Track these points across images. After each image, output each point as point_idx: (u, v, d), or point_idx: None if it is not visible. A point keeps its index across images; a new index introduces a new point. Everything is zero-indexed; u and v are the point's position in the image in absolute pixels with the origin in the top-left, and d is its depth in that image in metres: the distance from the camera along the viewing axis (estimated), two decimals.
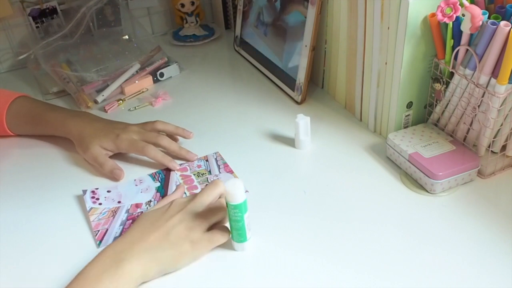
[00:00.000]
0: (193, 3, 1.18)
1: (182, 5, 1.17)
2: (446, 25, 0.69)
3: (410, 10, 0.69)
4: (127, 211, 0.72)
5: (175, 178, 0.77)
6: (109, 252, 0.60)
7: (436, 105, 0.77)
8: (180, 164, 0.80)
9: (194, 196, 0.66)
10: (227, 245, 0.65)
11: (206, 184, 0.74)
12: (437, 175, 0.69)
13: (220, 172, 0.78)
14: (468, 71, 0.69)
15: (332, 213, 0.69)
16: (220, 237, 0.64)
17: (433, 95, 0.77)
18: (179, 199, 0.66)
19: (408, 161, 0.73)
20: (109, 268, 0.58)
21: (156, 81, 1.04)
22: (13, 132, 0.87)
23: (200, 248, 0.63)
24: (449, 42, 0.70)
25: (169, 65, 1.06)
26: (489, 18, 0.67)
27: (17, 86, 1.06)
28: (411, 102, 0.79)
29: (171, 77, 1.06)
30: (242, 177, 0.76)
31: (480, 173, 0.73)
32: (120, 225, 0.69)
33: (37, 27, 1.08)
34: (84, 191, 0.75)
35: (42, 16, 1.08)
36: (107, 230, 0.69)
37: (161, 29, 1.25)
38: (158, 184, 0.76)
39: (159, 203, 0.69)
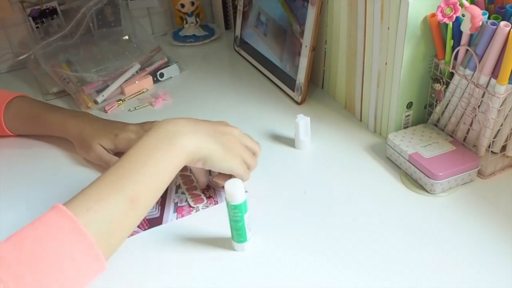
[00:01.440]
0: (193, 3, 1.18)
1: (182, 5, 1.17)
2: (446, 25, 0.69)
3: (410, 10, 0.69)
4: None
5: (174, 178, 0.77)
6: (166, 126, 0.63)
7: (436, 105, 0.77)
8: None
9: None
10: (227, 245, 0.65)
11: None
12: (437, 175, 0.69)
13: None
14: (468, 72, 0.69)
15: (332, 213, 0.69)
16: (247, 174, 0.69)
17: (433, 95, 0.77)
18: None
19: (408, 161, 0.73)
20: (164, 140, 0.61)
21: (156, 81, 1.04)
22: (12, 132, 0.87)
23: (241, 167, 0.67)
24: (449, 43, 0.70)
25: (169, 66, 1.06)
26: (489, 18, 0.67)
27: (17, 86, 1.06)
28: (411, 102, 0.79)
29: (171, 77, 1.06)
30: None
31: (480, 173, 0.73)
32: None
33: (37, 27, 1.08)
34: None
35: (42, 16, 1.08)
36: None
37: (161, 29, 1.25)
38: None
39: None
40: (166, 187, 0.62)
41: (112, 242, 0.57)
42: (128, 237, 0.67)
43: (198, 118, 0.91)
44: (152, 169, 0.59)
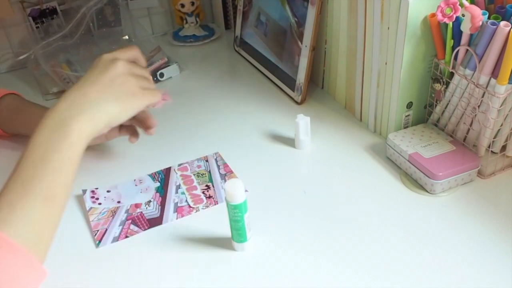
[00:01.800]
0: (193, 3, 1.18)
1: (182, 5, 1.17)
2: (446, 25, 0.69)
3: (410, 10, 0.69)
4: (127, 211, 0.72)
5: (174, 178, 0.77)
6: (52, 114, 0.59)
7: (436, 105, 0.77)
8: (180, 164, 0.80)
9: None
10: (227, 245, 0.65)
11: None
12: (437, 175, 0.69)
13: (220, 173, 0.78)
14: (468, 71, 0.69)
15: (332, 213, 0.69)
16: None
17: (433, 95, 0.77)
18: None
19: (408, 161, 0.73)
20: (57, 130, 0.58)
21: (156, 81, 1.04)
22: (4, 132, 0.86)
23: (146, 96, 0.65)
24: (449, 42, 0.70)
25: (169, 65, 1.06)
26: (489, 18, 0.67)
27: (17, 86, 1.06)
28: (411, 102, 0.79)
29: (171, 77, 1.06)
30: (242, 177, 0.76)
31: (480, 173, 0.73)
32: (120, 225, 0.69)
33: (37, 27, 1.08)
34: (84, 191, 0.75)
35: (42, 16, 1.08)
36: (106, 230, 0.69)
37: (161, 29, 1.25)
38: (158, 184, 0.76)
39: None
40: (75, 171, 0.59)
41: (42, 244, 0.56)
42: (127, 237, 0.67)
43: (197, 118, 0.91)
44: (56, 164, 0.57)
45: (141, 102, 0.65)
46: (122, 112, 0.64)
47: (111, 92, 0.62)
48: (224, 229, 0.66)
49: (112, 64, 0.64)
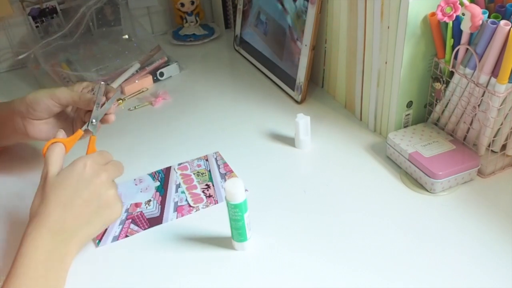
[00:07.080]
0: (193, 3, 1.18)
1: (182, 5, 1.17)
2: (446, 24, 0.69)
3: (410, 9, 0.69)
4: (127, 210, 0.72)
5: (174, 177, 0.77)
6: (46, 235, 0.58)
7: (436, 104, 0.77)
8: (180, 163, 0.80)
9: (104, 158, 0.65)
10: (227, 245, 0.65)
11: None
12: (437, 175, 0.69)
13: (220, 172, 0.78)
14: (468, 70, 0.69)
15: (332, 212, 0.69)
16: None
17: (433, 94, 0.77)
18: (93, 160, 0.63)
19: (408, 160, 0.73)
20: (53, 253, 0.58)
21: (156, 80, 1.04)
22: None
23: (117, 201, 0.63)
24: (449, 42, 0.70)
25: (169, 65, 1.06)
26: (489, 17, 0.67)
27: (17, 85, 1.06)
28: (411, 101, 0.79)
29: (171, 76, 1.06)
30: (242, 176, 0.76)
31: (480, 173, 0.73)
32: (120, 225, 0.69)
33: (37, 26, 1.08)
34: None
35: (42, 15, 1.08)
36: (106, 229, 0.69)
37: (161, 29, 1.25)
38: (158, 183, 0.76)
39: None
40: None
41: None
42: (127, 236, 0.67)
43: (196, 117, 0.91)
44: (54, 283, 0.58)
45: (118, 214, 0.64)
46: (108, 222, 0.64)
47: (101, 214, 0.62)
48: (224, 229, 0.66)
49: (93, 178, 0.62)
